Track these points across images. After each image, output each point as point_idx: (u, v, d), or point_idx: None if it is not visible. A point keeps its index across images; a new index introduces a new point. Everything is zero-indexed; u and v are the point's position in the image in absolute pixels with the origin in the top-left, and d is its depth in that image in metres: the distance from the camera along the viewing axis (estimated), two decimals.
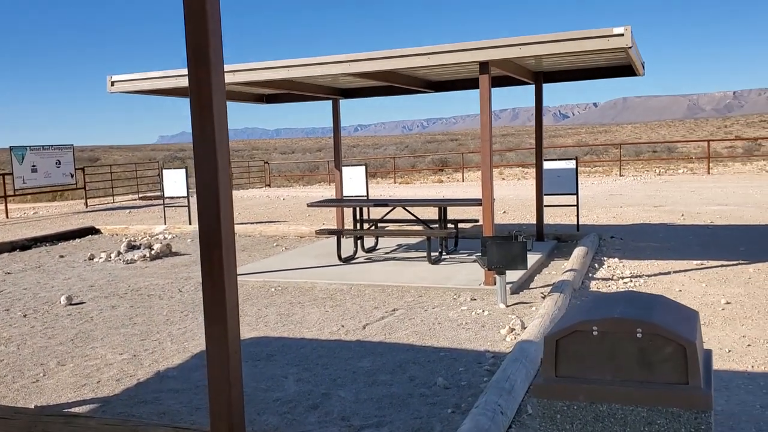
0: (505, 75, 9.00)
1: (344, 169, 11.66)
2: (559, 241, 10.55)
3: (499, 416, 3.79)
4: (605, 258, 9.09)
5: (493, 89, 10.43)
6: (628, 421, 2.58)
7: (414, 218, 9.92)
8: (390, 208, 9.80)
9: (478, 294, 7.25)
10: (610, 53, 7.61)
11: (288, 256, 10.05)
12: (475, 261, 8.56)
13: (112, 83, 8.60)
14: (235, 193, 24.16)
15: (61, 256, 11.03)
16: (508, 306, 6.74)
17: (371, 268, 8.69)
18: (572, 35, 6.64)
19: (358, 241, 9.86)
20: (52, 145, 19.14)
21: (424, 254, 9.31)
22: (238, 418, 2.99)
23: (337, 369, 5.07)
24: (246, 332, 6.17)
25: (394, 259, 9.37)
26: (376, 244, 10.50)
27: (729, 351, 5.24)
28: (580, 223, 11.83)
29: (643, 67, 8.88)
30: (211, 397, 2.95)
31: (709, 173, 24.85)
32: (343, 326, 6.22)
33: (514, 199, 17.68)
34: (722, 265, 8.38)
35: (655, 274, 8.03)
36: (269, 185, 29.42)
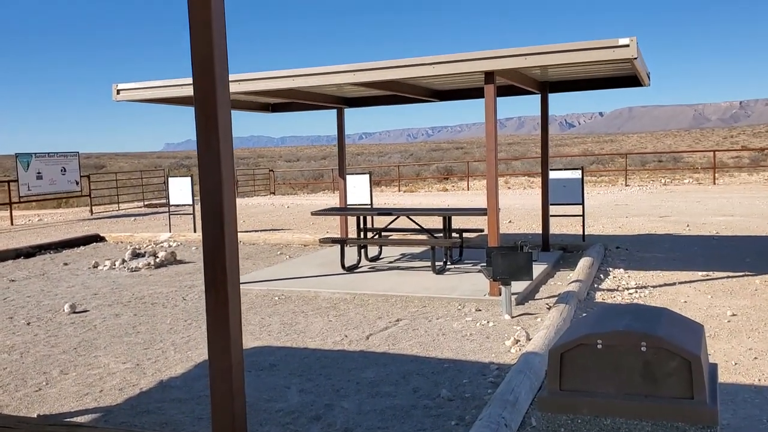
0: (511, 84, 9.00)
1: (348, 177, 11.66)
2: (564, 251, 10.52)
3: (503, 429, 3.77)
4: (611, 268, 9.06)
5: (498, 98, 10.45)
6: None
7: (418, 227, 9.90)
8: (394, 217, 9.79)
9: (483, 305, 7.23)
10: (616, 64, 7.61)
11: (292, 264, 10.04)
12: (480, 271, 8.54)
13: (118, 91, 8.62)
14: (239, 200, 24.20)
15: (66, 264, 11.04)
16: (513, 317, 6.71)
17: (375, 278, 8.68)
18: (577, 46, 6.63)
19: (362, 250, 9.85)
20: (57, 153, 19.21)
21: (429, 264, 9.29)
22: (241, 431, 2.97)
23: (340, 380, 5.05)
24: (249, 341, 6.16)
25: (398, 268, 9.35)
26: (380, 253, 10.49)
27: (735, 364, 5.20)
28: (585, 233, 11.80)
29: (649, 77, 8.87)
30: (213, 408, 2.94)
31: (715, 183, 24.79)
32: (346, 336, 6.21)
33: (519, 208, 17.66)
34: (728, 277, 8.34)
35: (661, 285, 8.00)
36: (274, 193, 29.46)
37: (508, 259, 6.65)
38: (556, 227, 12.96)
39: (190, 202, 14.64)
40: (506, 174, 32.88)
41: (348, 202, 11.59)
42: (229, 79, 8.13)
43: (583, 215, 11.68)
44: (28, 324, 7.09)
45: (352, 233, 11.89)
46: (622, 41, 6.42)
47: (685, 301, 7.19)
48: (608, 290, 7.83)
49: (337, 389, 4.85)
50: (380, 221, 13.34)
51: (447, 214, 9.20)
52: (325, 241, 9.60)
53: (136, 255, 11.03)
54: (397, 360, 5.46)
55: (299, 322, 6.80)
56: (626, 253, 10.24)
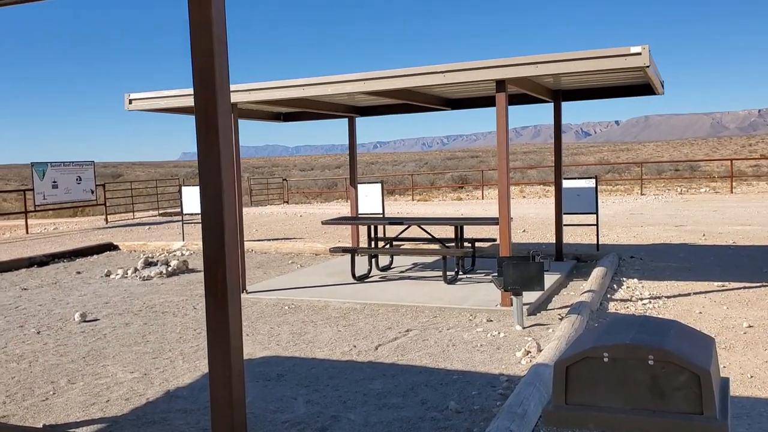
0: (524, 93, 8.94)
1: (360, 186, 11.63)
2: (578, 260, 10.42)
3: None
4: (624, 278, 8.94)
5: (514, 106, 10.40)
6: None
7: (430, 237, 9.85)
8: (405, 226, 9.74)
9: (495, 315, 7.15)
10: (629, 72, 7.53)
11: (303, 273, 10.02)
12: (492, 281, 8.46)
13: (130, 101, 8.66)
14: (253, 209, 24.25)
15: (78, 273, 11.09)
16: (524, 328, 6.63)
17: (385, 287, 8.63)
18: (589, 54, 6.57)
19: (373, 260, 9.80)
20: (72, 162, 19.35)
21: (440, 274, 9.23)
22: None
23: (348, 391, 5.00)
24: (258, 351, 6.12)
25: (409, 278, 9.30)
26: (391, 262, 10.44)
27: (751, 377, 5.09)
28: (600, 242, 11.68)
29: (663, 86, 8.77)
30: (213, 420, 2.90)
31: (732, 192, 24.52)
32: (355, 346, 6.16)
33: (534, 217, 17.54)
34: (744, 287, 8.20)
35: (675, 296, 7.88)
36: (287, 202, 29.51)
37: (520, 269, 6.58)
38: (570, 237, 12.85)
39: None
40: (521, 183, 32.75)
41: (360, 212, 11.56)
42: (239, 89, 8.15)
43: (597, 224, 11.57)
44: (38, 333, 7.10)
45: (364, 242, 11.86)
46: (634, 49, 6.35)
47: (700, 312, 7.08)
48: (621, 300, 7.72)
49: (344, 400, 4.80)
50: (392, 230, 13.29)
51: (459, 223, 9.14)
52: (335, 251, 9.57)
53: (148, 264, 11.05)
54: (406, 371, 5.40)
55: (308, 331, 6.76)
56: (641, 263, 10.12)
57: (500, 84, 7.22)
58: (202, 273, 2.86)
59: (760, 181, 29.44)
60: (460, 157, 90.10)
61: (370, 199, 11.61)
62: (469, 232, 13.88)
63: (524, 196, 27.08)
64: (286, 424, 4.41)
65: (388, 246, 10.00)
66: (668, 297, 7.84)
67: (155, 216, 23.08)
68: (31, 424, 4.58)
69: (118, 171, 76.50)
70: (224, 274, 2.83)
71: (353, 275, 9.21)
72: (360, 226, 11.52)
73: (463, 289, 8.34)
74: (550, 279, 8.38)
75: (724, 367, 5.28)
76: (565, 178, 11.06)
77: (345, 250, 9.44)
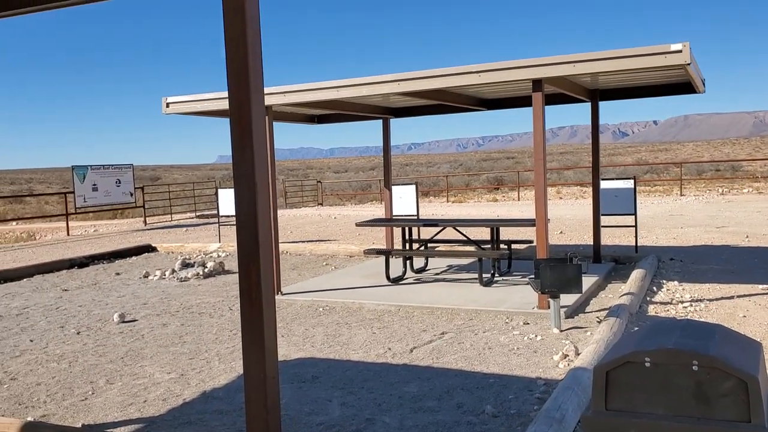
0: (560, 92, 8.83)
1: (394, 188, 11.60)
2: (616, 263, 10.25)
3: None
4: (664, 281, 8.76)
5: (551, 106, 10.28)
6: None
7: (465, 238, 9.77)
8: (440, 228, 9.68)
9: (531, 318, 7.06)
10: (668, 70, 7.37)
11: (337, 275, 10.02)
12: (528, 283, 8.36)
13: (168, 105, 8.76)
14: (287, 211, 24.40)
15: (117, 274, 11.26)
16: (561, 331, 6.53)
17: (420, 290, 8.58)
18: (627, 52, 6.45)
19: (407, 262, 9.76)
20: (112, 165, 19.69)
21: (476, 276, 9.15)
22: None
23: (383, 393, 4.97)
24: (292, 352, 6.13)
25: (444, 280, 9.24)
26: (426, 264, 10.38)
27: None
28: (638, 244, 11.48)
29: (704, 84, 8.58)
30: (248, 422, 2.90)
31: None
32: (390, 349, 6.12)
33: (571, 218, 17.33)
34: None
35: (717, 299, 7.69)
36: (321, 204, 29.63)
37: (557, 272, 6.48)
38: (608, 238, 12.65)
39: None
40: (558, 184, 32.39)
41: (394, 213, 11.53)
42: (274, 92, 8.18)
43: (635, 226, 11.37)
44: (78, 333, 7.21)
45: (398, 244, 11.83)
46: (675, 47, 6.21)
47: (744, 316, 6.89)
48: (661, 303, 7.56)
49: (379, 403, 4.77)
50: (426, 232, 13.23)
51: (494, 224, 9.05)
52: (370, 252, 9.55)
53: (185, 265, 11.17)
54: (441, 374, 5.35)
55: (343, 333, 6.75)
56: (681, 265, 9.91)
57: (537, 83, 7.13)
58: (238, 275, 2.86)
59: None
60: (496, 158, 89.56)
61: (404, 200, 11.57)
62: (505, 233, 13.76)
63: (561, 198, 26.78)
64: (320, 426, 4.40)
65: (422, 248, 9.95)
66: (710, 300, 7.65)
67: (192, 218, 23.36)
68: (70, 423, 4.65)
69: (157, 174, 77.70)
70: (258, 275, 2.83)
71: (388, 277, 9.18)
72: (394, 228, 11.48)
73: (499, 292, 8.25)
74: (587, 281, 8.25)
75: None
76: (602, 179, 10.90)
77: (379, 252, 9.42)
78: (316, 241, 14.69)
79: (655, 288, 8.36)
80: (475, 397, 4.79)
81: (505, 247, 9.61)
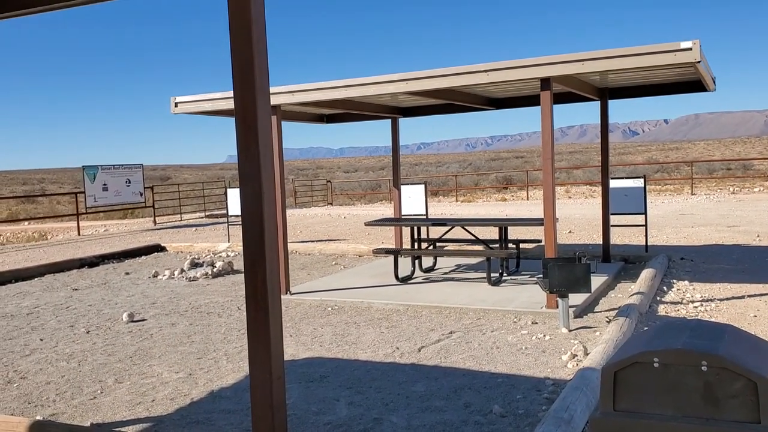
0: (569, 91, 8.79)
1: (403, 187, 11.59)
2: (626, 262, 10.19)
3: None
4: (675, 280, 8.71)
5: (560, 105, 10.23)
6: None
7: (474, 238, 9.75)
8: (449, 228, 9.65)
9: (540, 317, 7.03)
10: (678, 68, 7.32)
11: (346, 274, 10.02)
12: (537, 283, 8.33)
13: (176, 104, 8.78)
14: (297, 211, 24.42)
15: (127, 273, 11.30)
16: (570, 330, 6.50)
17: (429, 289, 8.56)
18: (637, 50, 6.41)
19: (416, 261, 9.75)
20: (122, 165, 19.77)
21: (484, 275, 9.13)
22: None
23: (390, 393, 4.95)
24: (301, 352, 6.13)
25: (452, 279, 9.22)
26: (435, 263, 10.37)
27: None
28: (648, 243, 11.41)
29: (714, 82, 8.52)
30: (254, 422, 2.89)
31: None
32: (398, 348, 6.11)
33: (580, 218, 17.26)
34: None
35: (728, 299, 7.64)
36: (331, 203, 29.64)
37: (565, 271, 6.45)
38: (618, 238, 12.59)
39: None
40: (567, 183, 32.29)
41: (403, 213, 11.52)
42: (282, 91, 8.18)
43: (645, 225, 11.30)
44: (88, 332, 7.24)
45: (407, 244, 11.82)
46: (684, 44, 6.17)
47: (755, 316, 6.84)
48: (672, 303, 7.51)
49: (387, 403, 4.76)
50: (435, 232, 13.21)
51: (503, 224, 9.02)
52: (378, 252, 9.54)
53: (194, 265, 11.19)
54: (449, 374, 5.33)
55: (351, 333, 6.75)
56: (691, 265, 9.85)
57: (545, 82, 7.09)
58: None
59: None
60: (505, 157, 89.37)
61: (413, 200, 11.55)
62: (514, 233, 13.72)
63: (570, 197, 26.68)
64: (328, 425, 4.39)
65: (431, 247, 9.93)
66: (721, 300, 7.60)
67: (202, 218, 23.43)
68: (79, 422, 4.66)
69: (166, 174, 78.00)
70: (264, 276, 2.82)
71: (396, 276, 9.17)
72: (403, 228, 11.47)
73: (507, 291, 8.23)
74: (597, 281, 8.21)
75: None
76: (612, 178, 10.85)
77: (388, 252, 9.41)
78: (326, 240, 14.70)
79: (665, 287, 8.31)
80: (482, 397, 4.77)
81: (514, 246, 9.58)
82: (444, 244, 10.41)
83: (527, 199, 26.68)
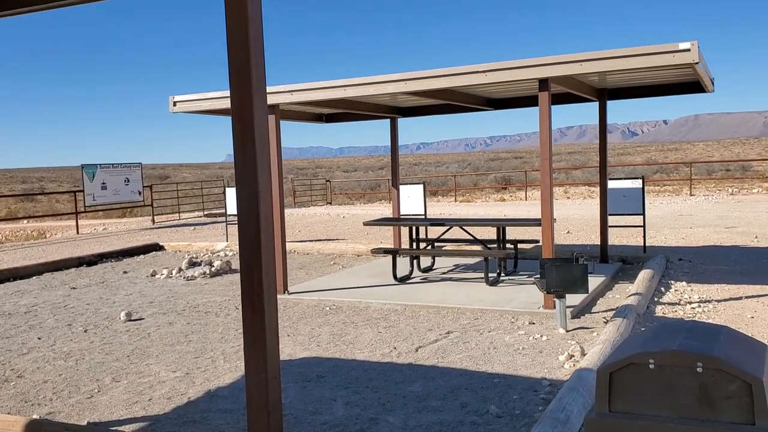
0: (568, 92, 8.79)
1: (402, 187, 11.59)
2: (624, 263, 10.20)
3: None
4: (672, 281, 8.71)
5: (559, 106, 10.23)
6: None
7: (472, 238, 9.75)
8: (447, 228, 9.66)
9: (537, 318, 7.03)
10: (677, 69, 7.33)
11: (344, 274, 10.02)
12: (534, 283, 8.34)
13: (174, 103, 8.77)
14: (296, 210, 24.42)
15: (125, 272, 11.29)
16: (567, 331, 6.50)
17: (427, 289, 8.56)
18: (635, 51, 6.41)
19: (414, 261, 9.75)
20: (121, 164, 19.76)
21: (482, 275, 9.13)
22: None
23: (387, 393, 4.95)
24: (298, 352, 6.13)
25: (450, 279, 9.22)
26: (433, 263, 10.37)
27: None
28: (646, 244, 11.42)
29: (713, 83, 8.52)
30: (249, 422, 2.89)
31: None
32: (395, 348, 6.11)
33: (578, 218, 17.27)
34: None
35: (726, 299, 7.64)
36: (330, 203, 29.64)
37: (563, 271, 6.45)
38: (616, 238, 12.60)
39: None
40: (566, 183, 32.30)
41: (402, 213, 11.52)
42: (281, 90, 8.18)
43: (644, 226, 11.31)
44: (86, 331, 7.23)
45: (405, 244, 11.82)
46: (683, 45, 6.17)
47: (752, 317, 6.84)
48: (669, 304, 7.52)
49: (384, 403, 4.76)
50: (434, 232, 13.21)
51: (501, 224, 9.02)
52: (377, 252, 9.54)
53: (192, 264, 11.19)
54: (446, 374, 5.34)
55: (349, 333, 6.75)
56: (689, 266, 9.85)
57: (543, 83, 7.10)
58: None
59: None
60: (504, 158, 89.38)
61: (412, 200, 11.55)
62: (512, 233, 13.72)
63: (568, 197, 26.69)
64: (324, 425, 4.39)
65: (429, 247, 9.93)
66: (718, 301, 7.60)
67: (200, 217, 23.42)
68: (75, 421, 4.66)
69: (165, 172, 77.97)
70: (260, 276, 2.82)
71: (395, 276, 9.17)
72: (402, 227, 11.47)
73: (505, 291, 8.23)
74: (594, 281, 8.22)
75: None
76: (610, 179, 10.85)
77: (386, 251, 9.41)
78: (324, 240, 14.70)
79: (663, 288, 8.31)
80: (479, 397, 4.77)
81: (512, 246, 9.58)
82: (442, 244, 10.41)
83: (526, 200, 26.70)
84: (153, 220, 21.44)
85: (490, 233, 13.36)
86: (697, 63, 6.25)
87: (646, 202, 11.16)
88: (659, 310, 7.25)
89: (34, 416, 4.73)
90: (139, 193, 20.45)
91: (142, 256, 13.35)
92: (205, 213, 24.60)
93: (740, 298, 7.68)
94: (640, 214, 10.96)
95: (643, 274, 8.39)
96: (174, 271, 10.75)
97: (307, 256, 12.49)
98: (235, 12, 2.75)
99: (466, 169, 61.49)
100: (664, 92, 9.55)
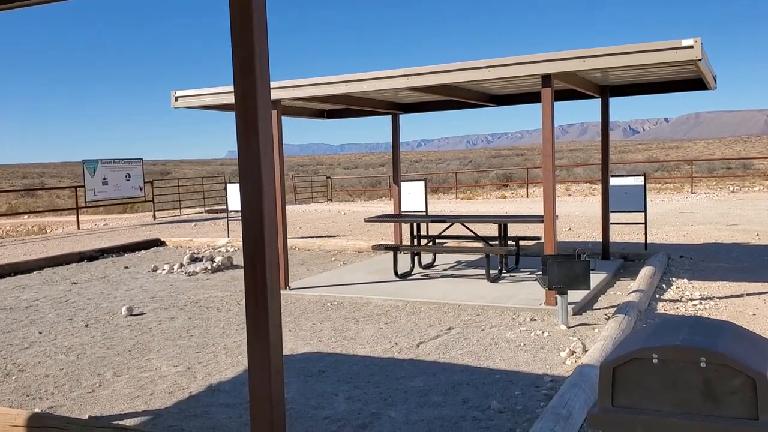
0: (570, 89, 8.78)
1: (403, 184, 11.58)
2: (625, 260, 10.20)
3: None
4: (674, 278, 8.71)
5: (561, 103, 10.22)
6: None
7: (473, 235, 9.75)
8: (448, 224, 9.65)
9: (539, 314, 7.03)
10: (680, 66, 7.32)
11: (345, 270, 10.02)
12: (536, 280, 8.33)
13: (176, 98, 8.76)
14: (297, 207, 24.41)
15: (126, 267, 11.30)
16: (569, 327, 6.50)
17: (428, 285, 8.57)
18: (638, 47, 6.40)
19: (415, 258, 9.75)
20: (122, 159, 19.75)
21: (483, 272, 9.13)
22: None
23: (389, 388, 4.96)
24: (300, 347, 6.13)
25: (451, 276, 9.22)
26: (434, 260, 10.36)
27: None
28: (648, 241, 11.41)
29: (715, 80, 8.51)
30: (252, 416, 2.89)
31: None
32: (396, 344, 6.11)
33: (580, 215, 17.26)
34: None
35: (727, 297, 7.64)
36: (331, 200, 29.63)
37: (565, 268, 6.45)
38: (618, 235, 12.59)
39: None
40: (567, 181, 32.28)
41: (402, 209, 11.51)
42: (283, 86, 8.17)
43: (645, 223, 11.30)
44: (87, 326, 7.24)
45: (406, 240, 11.81)
46: (686, 42, 6.16)
47: (754, 314, 6.84)
48: (671, 301, 7.52)
49: (385, 398, 4.76)
50: (435, 228, 13.21)
51: (502, 221, 9.02)
52: (378, 248, 9.54)
53: (194, 259, 11.19)
54: (448, 369, 5.34)
55: (350, 328, 6.75)
56: (691, 263, 9.85)
57: (546, 79, 7.09)
58: None
59: None
60: (505, 155, 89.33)
61: (413, 197, 11.54)
62: (513, 230, 13.72)
63: (570, 194, 26.68)
64: (326, 420, 4.40)
65: (430, 244, 9.93)
66: (720, 298, 7.60)
67: (201, 213, 23.43)
68: (77, 415, 4.66)
69: (167, 168, 77.97)
70: (263, 271, 2.82)
71: (396, 273, 9.17)
72: (403, 224, 11.47)
73: (506, 288, 8.23)
74: (596, 278, 8.21)
75: None
76: (612, 176, 10.84)
77: (388, 248, 9.40)
78: (325, 236, 14.70)
79: (664, 285, 8.31)
80: (481, 393, 4.77)
81: (513, 243, 9.58)
82: (443, 240, 10.40)
83: (527, 197, 26.69)
84: (154, 216, 21.45)
85: (491, 230, 13.35)
86: (700, 60, 6.24)
87: (647, 199, 11.14)
88: (660, 307, 7.25)
89: (36, 410, 4.74)
90: (140, 189, 20.45)
91: (143, 252, 13.35)
92: (207, 209, 24.60)
93: (741, 296, 7.68)
94: (642, 212, 10.95)
95: (645, 271, 8.39)
96: (175, 267, 10.76)
97: (308, 253, 12.50)
98: (240, 5, 2.74)
99: (467, 166, 61.45)
100: (666, 89, 9.53)
